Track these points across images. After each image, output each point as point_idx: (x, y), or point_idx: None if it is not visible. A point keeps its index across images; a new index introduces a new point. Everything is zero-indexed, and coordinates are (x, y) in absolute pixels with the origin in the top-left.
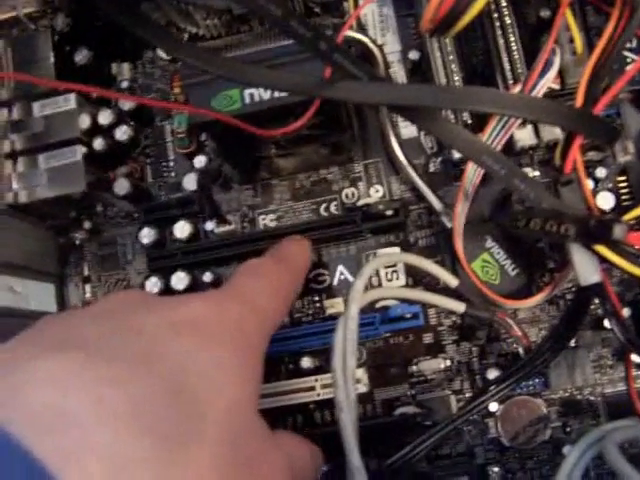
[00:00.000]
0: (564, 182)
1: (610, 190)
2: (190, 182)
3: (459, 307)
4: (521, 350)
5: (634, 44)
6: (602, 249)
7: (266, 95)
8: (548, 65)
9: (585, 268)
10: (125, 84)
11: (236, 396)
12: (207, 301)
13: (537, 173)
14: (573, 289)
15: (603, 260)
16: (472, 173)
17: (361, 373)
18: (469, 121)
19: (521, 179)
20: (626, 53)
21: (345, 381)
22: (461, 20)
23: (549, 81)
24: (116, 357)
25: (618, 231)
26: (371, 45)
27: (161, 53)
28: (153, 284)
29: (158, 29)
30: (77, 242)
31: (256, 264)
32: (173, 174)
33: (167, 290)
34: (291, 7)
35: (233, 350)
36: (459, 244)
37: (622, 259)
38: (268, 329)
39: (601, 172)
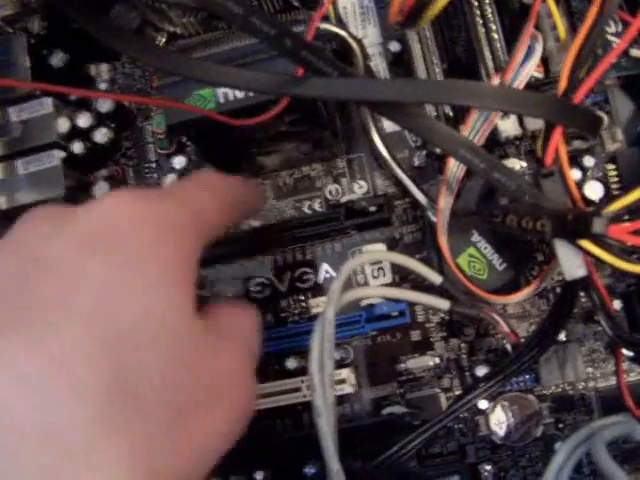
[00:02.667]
0: (545, 174)
1: (599, 179)
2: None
3: (443, 305)
4: (509, 347)
5: (619, 28)
6: (586, 243)
7: (240, 94)
8: (530, 53)
9: (570, 262)
10: (104, 86)
11: (167, 307)
12: (117, 201)
13: (524, 164)
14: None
15: (589, 254)
16: (455, 167)
17: (347, 373)
18: (451, 113)
19: (501, 172)
20: (611, 38)
21: (323, 385)
22: (429, 10)
23: (531, 69)
24: (28, 315)
25: (598, 225)
26: (349, 39)
27: None
28: None
29: (121, 33)
30: None
31: (204, 173)
32: (155, 175)
33: None
34: (266, 1)
35: (160, 259)
36: (443, 240)
37: (607, 253)
38: (205, 234)
39: (589, 161)
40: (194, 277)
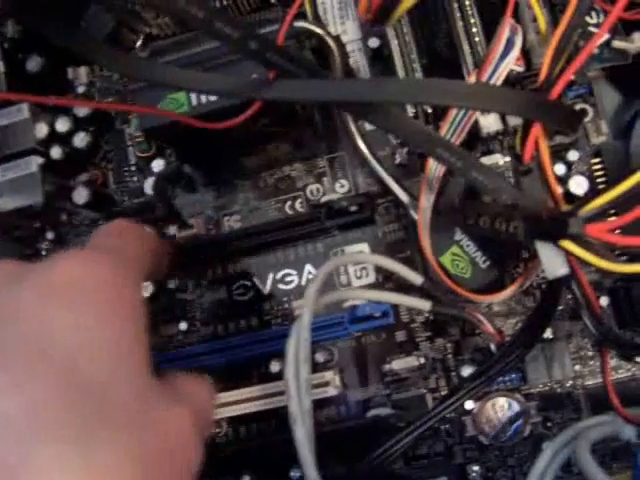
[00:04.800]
0: (523, 171)
1: (583, 174)
2: (151, 186)
3: (424, 305)
4: (493, 346)
5: (602, 19)
6: (566, 243)
7: (214, 96)
8: (509, 46)
9: (551, 261)
10: (82, 89)
11: (129, 363)
12: (75, 260)
13: (508, 159)
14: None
15: (570, 254)
16: (434, 164)
17: (332, 375)
18: (430, 110)
19: (479, 171)
20: (593, 29)
21: (298, 392)
22: (398, 7)
23: (511, 63)
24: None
25: (574, 226)
26: (326, 37)
27: None
28: None
29: (85, 39)
30: (44, 253)
31: (111, 225)
32: (135, 179)
33: None
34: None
35: (111, 309)
36: (424, 239)
37: (588, 253)
38: (138, 276)
39: (573, 155)
40: (139, 317)
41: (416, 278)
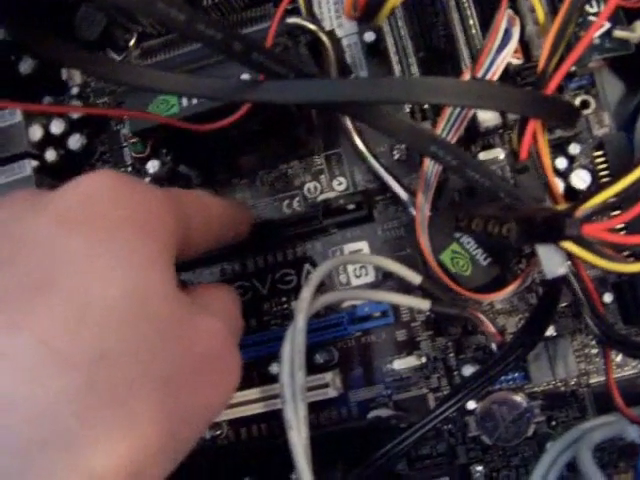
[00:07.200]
0: (519, 169)
1: (585, 167)
2: None
3: (424, 305)
4: (494, 346)
5: (602, 8)
6: (566, 244)
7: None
8: (506, 38)
9: (550, 260)
10: (76, 90)
11: (153, 294)
12: (108, 177)
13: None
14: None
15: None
16: (431, 162)
17: (332, 375)
18: (426, 106)
19: (474, 169)
20: (592, 19)
21: (294, 397)
22: (385, 5)
23: (508, 56)
24: (9, 295)
25: (570, 227)
26: (319, 32)
27: (113, 54)
28: None
29: (60, 43)
30: None
31: (199, 191)
32: None
33: None
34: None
35: (143, 235)
36: (422, 237)
37: (589, 253)
38: (185, 235)
39: (575, 148)
40: (174, 257)
41: (415, 277)
